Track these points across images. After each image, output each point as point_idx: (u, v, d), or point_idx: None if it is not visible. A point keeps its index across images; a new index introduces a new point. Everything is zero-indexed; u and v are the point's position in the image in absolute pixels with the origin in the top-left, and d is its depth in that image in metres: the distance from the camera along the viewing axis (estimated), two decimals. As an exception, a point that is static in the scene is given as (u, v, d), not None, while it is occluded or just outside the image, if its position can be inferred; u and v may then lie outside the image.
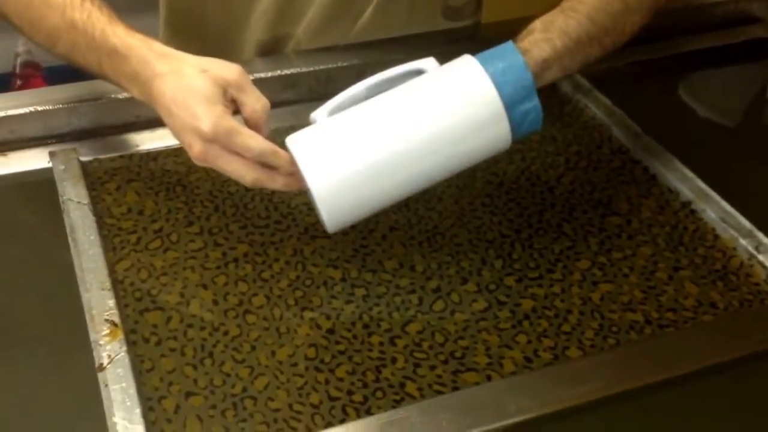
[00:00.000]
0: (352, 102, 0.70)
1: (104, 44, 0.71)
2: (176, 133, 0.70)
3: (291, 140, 0.68)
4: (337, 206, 0.67)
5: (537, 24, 0.73)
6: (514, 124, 0.68)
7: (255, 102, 0.70)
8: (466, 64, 0.69)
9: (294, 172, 0.68)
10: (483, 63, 0.68)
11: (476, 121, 0.67)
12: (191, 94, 0.67)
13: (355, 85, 0.71)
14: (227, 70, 0.69)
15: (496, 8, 0.96)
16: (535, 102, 0.68)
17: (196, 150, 0.67)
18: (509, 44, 0.70)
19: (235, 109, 0.70)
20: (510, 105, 0.67)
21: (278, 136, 0.72)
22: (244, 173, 0.68)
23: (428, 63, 0.71)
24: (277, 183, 0.69)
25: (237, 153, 0.67)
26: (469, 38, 0.97)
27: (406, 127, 0.67)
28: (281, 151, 0.68)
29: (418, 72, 0.71)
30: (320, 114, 0.70)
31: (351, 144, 0.67)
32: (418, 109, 0.67)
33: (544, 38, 0.71)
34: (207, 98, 0.67)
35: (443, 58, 0.93)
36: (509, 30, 0.95)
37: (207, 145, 0.67)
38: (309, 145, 0.68)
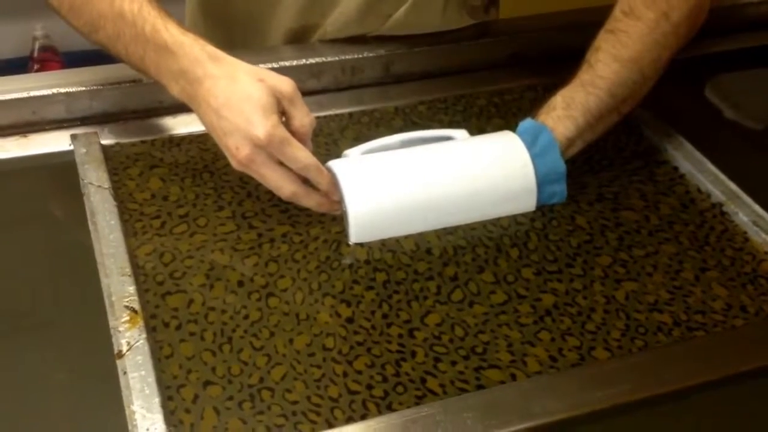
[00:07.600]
0: (384, 150, 0.76)
1: (153, 39, 0.71)
2: (221, 136, 0.70)
3: (335, 164, 0.72)
4: (367, 230, 0.72)
5: (558, 100, 0.76)
6: (540, 202, 0.75)
7: (304, 116, 0.71)
8: (510, 139, 0.75)
9: (329, 193, 0.71)
10: (525, 142, 0.74)
11: (508, 192, 0.74)
12: (247, 101, 0.68)
13: (389, 136, 0.77)
14: (282, 82, 0.71)
15: (512, 6, 1.00)
16: (563, 186, 0.75)
17: (242, 154, 0.68)
18: (548, 130, 0.74)
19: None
20: (541, 184, 0.74)
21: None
22: (283, 184, 0.70)
23: (460, 134, 0.78)
24: (312, 200, 0.72)
25: (282, 164, 0.69)
26: (489, 35, 0.97)
27: (445, 182, 0.73)
28: (324, 169, 0.71)
29: (449, 139, 0.77)
30: (354, 153, 0.75)
31: (393, 181, 0.72)
32: (461, 168, 0.73)
33: (566, 116, 0.75)
34: (263, 106, 0.68)
35: (468, 54, 0.94)
36: (526, 25, 0.97)
37: (256, 150, 0.68)
38: (353, 172, 0.72)
